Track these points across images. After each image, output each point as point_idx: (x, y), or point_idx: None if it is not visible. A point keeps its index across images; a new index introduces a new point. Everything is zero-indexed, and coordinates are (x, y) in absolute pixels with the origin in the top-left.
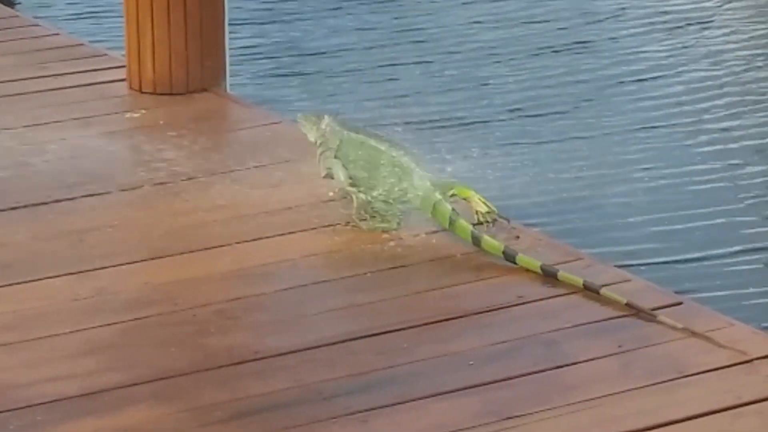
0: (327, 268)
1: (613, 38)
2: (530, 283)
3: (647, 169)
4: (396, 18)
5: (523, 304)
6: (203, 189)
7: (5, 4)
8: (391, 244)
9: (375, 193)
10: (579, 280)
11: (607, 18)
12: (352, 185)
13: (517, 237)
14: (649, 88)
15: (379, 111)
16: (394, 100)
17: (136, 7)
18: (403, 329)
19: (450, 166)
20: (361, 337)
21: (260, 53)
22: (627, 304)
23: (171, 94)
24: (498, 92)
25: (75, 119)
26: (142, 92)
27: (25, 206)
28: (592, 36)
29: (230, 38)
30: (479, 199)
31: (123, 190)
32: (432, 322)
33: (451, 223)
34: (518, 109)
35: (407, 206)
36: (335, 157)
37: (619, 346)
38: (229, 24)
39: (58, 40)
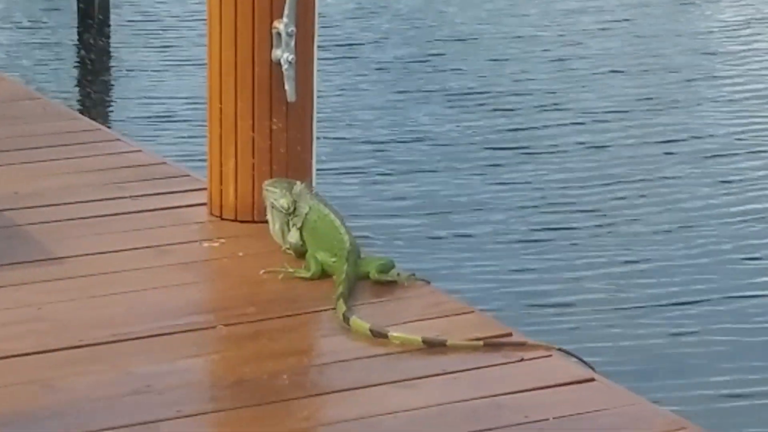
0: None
1: None
2: None
3: None
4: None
5: None
6: (280, 332)
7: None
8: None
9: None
10: (417, 339)
11: None
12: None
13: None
14: None
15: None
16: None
17: (219, 129)
18: None
19: None
20: None
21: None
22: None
23: (253, 221)
24: None
25: (149, 247)
26: (223, 219)
27: (87, 345)
28: None
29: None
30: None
31: (193, 330)
32: None
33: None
34: None
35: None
36: (301, 227)
37: None
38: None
39: (140, 157)
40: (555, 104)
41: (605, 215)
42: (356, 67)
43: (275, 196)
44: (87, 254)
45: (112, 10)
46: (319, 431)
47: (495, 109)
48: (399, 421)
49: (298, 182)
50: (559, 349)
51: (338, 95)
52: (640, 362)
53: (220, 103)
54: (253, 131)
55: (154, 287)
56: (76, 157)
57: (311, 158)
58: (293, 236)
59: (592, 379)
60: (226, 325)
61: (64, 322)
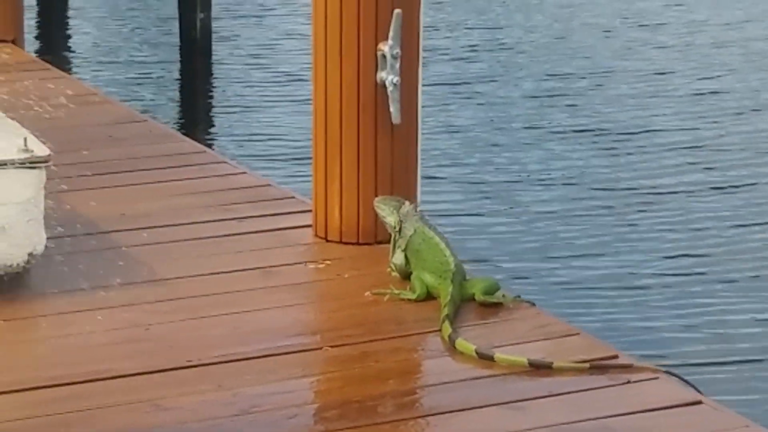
0: None
1: None
2: None
3: None
4: None
5: None
6: (386, 353)
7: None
8: None
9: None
10: (522, 360)
11: None
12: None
13: None
14: None
15: None
16: None
17: (324, 151)
18: None
19: None
20: None
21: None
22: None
23: (358, 243)
24: None
25: (254, 269)
26: (328, 240)
27: (194, 365)
28: None
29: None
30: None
31: (299, 351)
32: None
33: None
34: None
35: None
36: (405, 248)
37: None
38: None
39: (245, 179)
40: (682, 142)
41: (741, 259)
42: (473, 104)
43: (384, 213)
44: (194, 275)
45: (215, 43)
46: None
47: (616, 148)
48: None
49: (407, 202)
50: (666, 372)
51: (453, 132)
52: None
53: (326, 125)
54: (358, 153)
55: (261, 308)
56: (183, 179)
57: (416, 181)
58: (398, 258)
59: (700, 402)
60: (332, 347)
61: (172, 343)
